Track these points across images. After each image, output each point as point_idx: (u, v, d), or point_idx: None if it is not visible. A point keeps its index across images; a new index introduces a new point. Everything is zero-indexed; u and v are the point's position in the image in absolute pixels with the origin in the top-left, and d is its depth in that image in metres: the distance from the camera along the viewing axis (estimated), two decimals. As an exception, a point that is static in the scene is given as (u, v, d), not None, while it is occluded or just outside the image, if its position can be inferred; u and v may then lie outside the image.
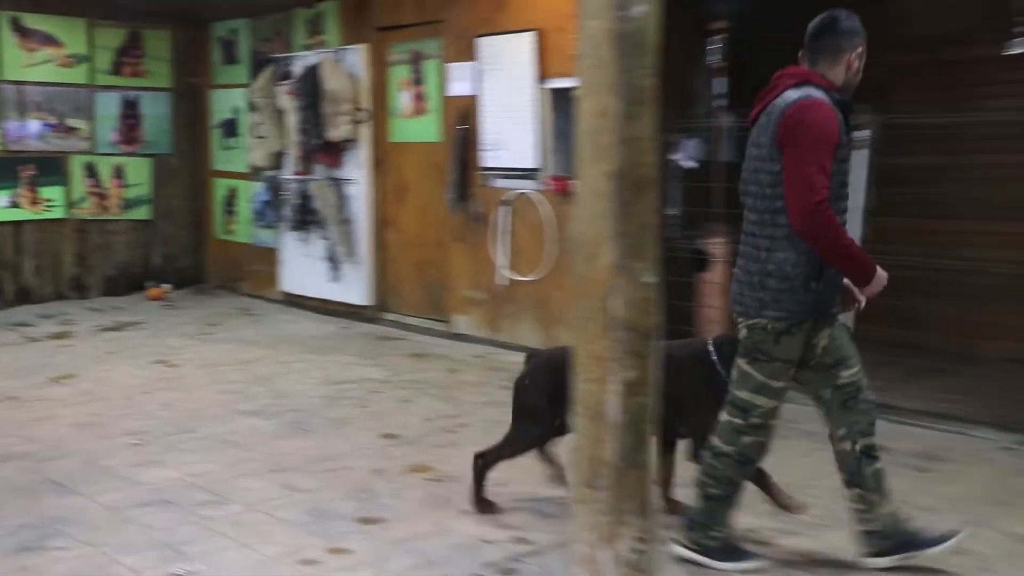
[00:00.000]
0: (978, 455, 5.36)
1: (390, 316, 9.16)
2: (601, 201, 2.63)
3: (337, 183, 9.29)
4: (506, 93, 7.89)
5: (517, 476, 4.98)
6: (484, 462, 4.54)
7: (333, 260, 9.38)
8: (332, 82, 9.00)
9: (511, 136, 7.90)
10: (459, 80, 8.33)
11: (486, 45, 8.03)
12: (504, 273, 8.11)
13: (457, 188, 8.36)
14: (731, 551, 3.97)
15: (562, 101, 7.42)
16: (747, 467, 3.92)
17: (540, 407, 4.40)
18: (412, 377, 7.19)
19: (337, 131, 9.03)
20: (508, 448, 4.50)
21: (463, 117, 8.29)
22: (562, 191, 7.54)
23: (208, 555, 4.10)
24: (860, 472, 3.89)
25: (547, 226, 7.72)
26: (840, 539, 4.13)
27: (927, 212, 7.45)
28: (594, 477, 2.74)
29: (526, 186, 7.90)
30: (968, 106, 7.09)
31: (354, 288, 9.30)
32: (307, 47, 9.64)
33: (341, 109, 9.01)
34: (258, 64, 10.05)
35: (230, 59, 10.70)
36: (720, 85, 7.33)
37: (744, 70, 7.60)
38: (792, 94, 3.69)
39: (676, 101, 7.37)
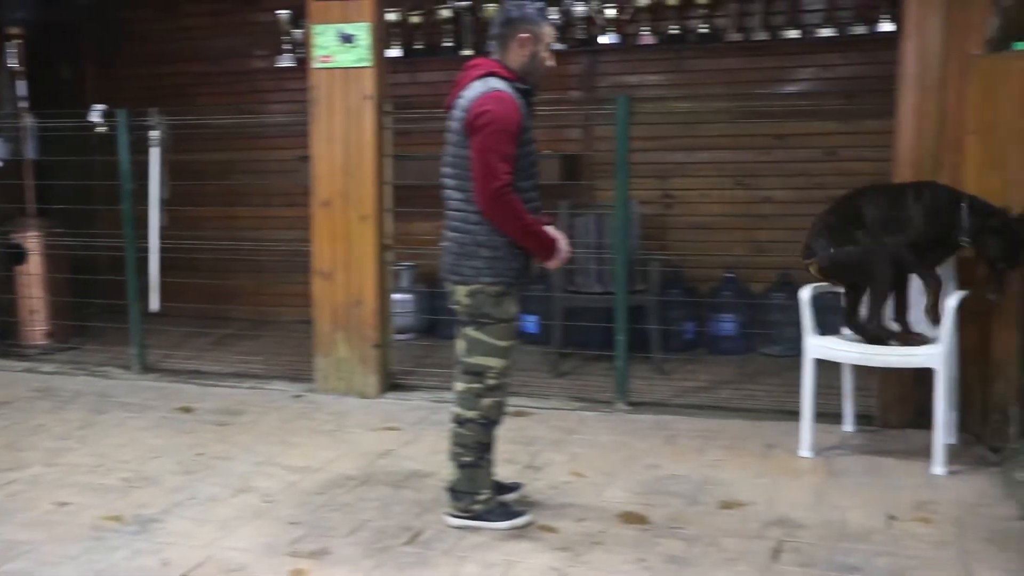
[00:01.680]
0: (271, 405, 5.55)
1: None
2: None
3: None
4: None
5: None
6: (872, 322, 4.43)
7: None
8: None
9: None
10: None
11: None
12: None
13: None
14: (502, 510, 3.80)
15: None
16: (491, 428, 3.74)
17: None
18: None
19: None
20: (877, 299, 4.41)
21: None
22: None
23: None
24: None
25: None
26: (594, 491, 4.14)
27: (224, 201, 7.59)
28: None
29: None
30: (251, 109, 7.30)
31: None
32: None
33: None
34: None
35: None
36: (22, 88, 6.81)
37: (43, 73, 7.18)
38: (478, 86, 3.53)
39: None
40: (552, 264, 3.67)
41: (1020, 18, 4.45)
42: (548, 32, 3.65)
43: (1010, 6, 4.44)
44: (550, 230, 3.63)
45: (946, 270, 4.53)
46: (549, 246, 3.61)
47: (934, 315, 4.34)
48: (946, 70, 4.61)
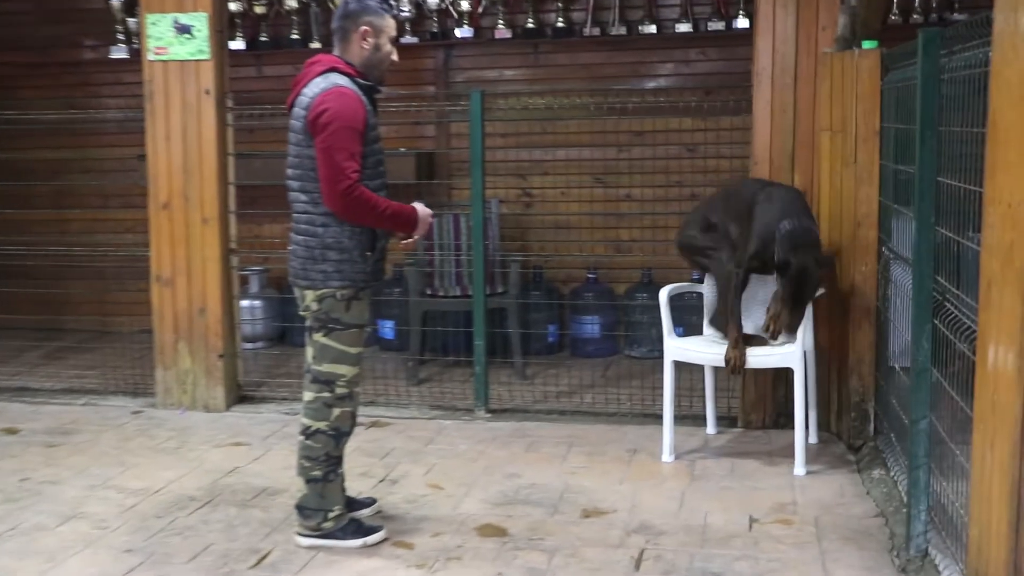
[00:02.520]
0: (108, 423, 5.33)
1: None
2: None
3: None
4: None
5: None
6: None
7: None
8: None
9: None
10: None
11: None
12: None
13: None
14: (354, 527, 3.73)
15: None
16: (341, 439, 3.68)
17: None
18: None
19: None
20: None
21: None
22: None
23: None
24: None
25: None
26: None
27: (55, 203, 7.27)
28: None
29: None
30: (83, 104, 7.01)
31: None
32: None
33: None
34: None
35: None
36: None
37: None
38: (319, 82, 3.50)
39: None
40: (420, 232, 3.68)
41: (867, 17, 4.62)
42: (390, 24, 3.64)
43: (857, 5, 4.60)
44: (402, 203, 3.63)
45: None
46: (411, 219, 3.64)
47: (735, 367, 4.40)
48: (799, 68, 4.76)
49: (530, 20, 6.62)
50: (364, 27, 3.57)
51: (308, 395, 3.67)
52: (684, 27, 6.42)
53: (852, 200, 4.56)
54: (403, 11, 6.59)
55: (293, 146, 3.59)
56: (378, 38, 3.60)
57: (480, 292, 5.36)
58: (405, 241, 3.72)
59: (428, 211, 3.71)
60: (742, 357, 4.36)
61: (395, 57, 3.67)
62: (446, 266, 6.19)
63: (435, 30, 6.73)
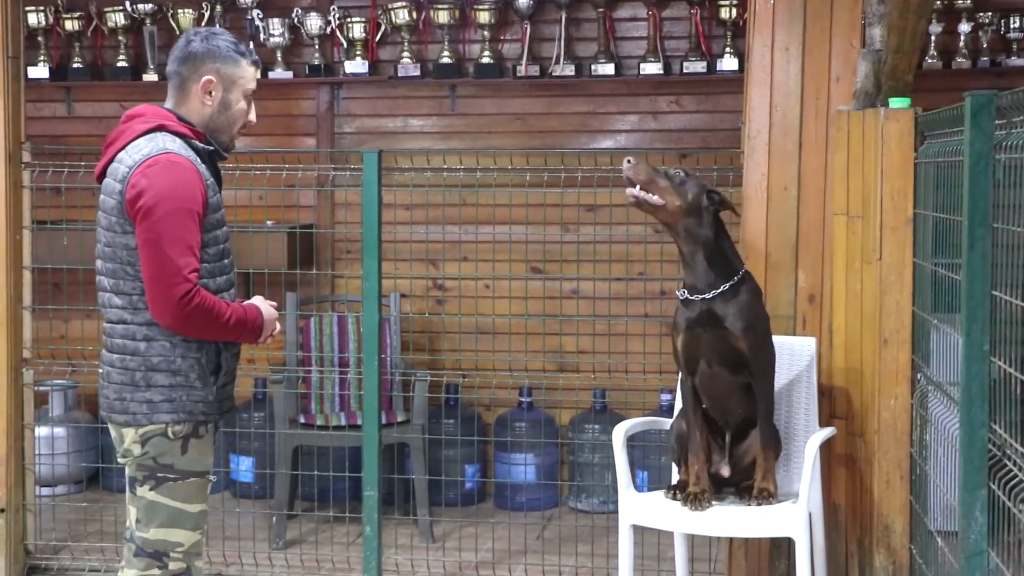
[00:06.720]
0: None
1: None
2: None
3: None
4: None
5: None
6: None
7: None
8: None
9: None
10: None
11: None
12: None
13: None
14: None
15: None
16: None
17: None
18: None
19: None
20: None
21: None
22: None
23: None
24: None
25: None
26: None
27: None
28: None
29: None
30: None
31: None
32: None
33: None
34: None
35: None
36: None
37: None
38: (142, 147, 3.48)
39: None
40: (266, 336, 3.70)
41: (896, 64, 4.68)
42: (246, 74, 3.68)
43: (883, 49, 4.66)
44: (246, 306, 3.65)
45: (802, 400, 4.68)
46: (256, 324, 3.64)
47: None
48: (804, 130, 4.82)
49: (446, 53, 6.65)
50: (208, 77, 3.60)
51: (130, 573, 3.60)
52: (652, 68, 6.49)
53: (876, 309, 4.58)
54: (273, 36, 6.59)
55: (104, 231, 3.56)
56: (228, 92, 3.63)
57: (373, 421, 5.32)
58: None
59: (272, 311, 3.72)
60: (706, 496, 4.38)
61: (252, 117, 3.71)
62: (327, 385, 6.14)
63: (316, 62, 6.73)
